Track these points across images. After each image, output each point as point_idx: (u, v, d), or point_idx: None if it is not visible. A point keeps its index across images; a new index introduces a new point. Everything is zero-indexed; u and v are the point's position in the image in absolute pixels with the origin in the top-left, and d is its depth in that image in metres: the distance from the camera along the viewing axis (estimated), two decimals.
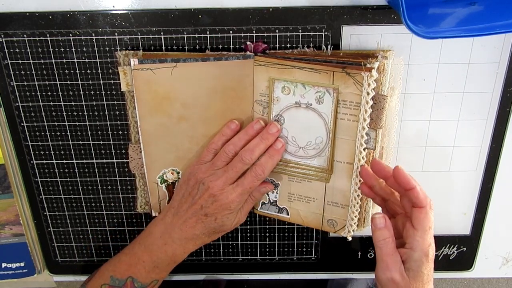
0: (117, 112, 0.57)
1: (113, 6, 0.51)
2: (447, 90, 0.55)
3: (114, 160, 0.59)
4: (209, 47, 0.53)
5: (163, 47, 0.53)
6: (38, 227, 0.64)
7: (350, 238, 0.57)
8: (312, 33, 0.52)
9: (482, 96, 0.55)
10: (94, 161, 0.59)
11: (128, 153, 0.58)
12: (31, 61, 0.54)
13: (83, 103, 0.56)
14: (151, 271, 0.55)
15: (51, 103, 0.56)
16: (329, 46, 0.52)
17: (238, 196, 0.52)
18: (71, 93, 0.55)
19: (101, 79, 0.55)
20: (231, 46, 0.53)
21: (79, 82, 0.55)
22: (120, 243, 0.65)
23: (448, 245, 0.65)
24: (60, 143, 0.58)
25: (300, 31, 0.52)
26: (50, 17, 0.51)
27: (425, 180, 0.60)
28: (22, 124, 0.57)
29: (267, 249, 0.66)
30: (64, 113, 0.57)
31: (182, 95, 0.54)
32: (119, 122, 0.57)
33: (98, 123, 0.57)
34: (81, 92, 0.55)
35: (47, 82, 0.55)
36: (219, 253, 0.66)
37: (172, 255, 0.55)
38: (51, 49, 0.53)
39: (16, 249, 0.64)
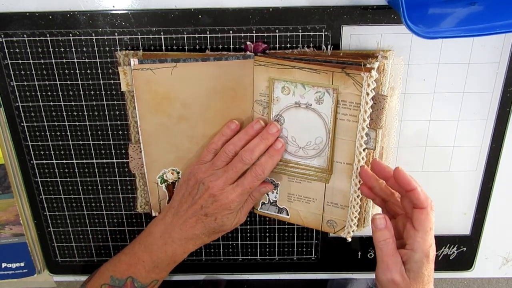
0: (117, 112, 0.57)
1: (113, 6, 0.51)
2: (447, 90, 0.55)
3: (114, 160, 0.59)
4: (209, 47, 0.53)
5: (163, 47, 0.53)
6: (38, 227, 0.64)
7: (349, 239, 0.57)
8: (312, 33, 0.52)
9: (482, 96, 0.55)
10: (94, 161, 0.59)
11: (128, 153, 0.58)
12: (31, 61, 0.54)
13: (83, 103, 0.56)
14: (151, 271, 0.55)
15: (51, 103, 0.56)
16: (329, 46, 0.52)
17: (238, 196, 0.52)
18: (71, 93, 0.55)
19: (101, 79, 0.55)
20: (231, 46, 0.53)
21: (79, 82, 0.55)
22: (120, 243, 0.65)
23: (448, 245, 0.65)
24: (60, 143, 0.58)
25: (300, 31, 0.52)
26: (50, 17, 0.51)
27: (425, 180, 0.60)
28: (22, 124, 0.57)
29: (267, 249, 0.66)
30: (64, 113, 0.57)
31: (182, 95, 0.54)
32: (119, 122, 0.57)
33: (98, 123, 0.57)
34: (81, 92, 0.55)
35: (47, 82, 0.55)
36: (219, 253, 0.66)
37: (172, 255, 0.55)
38: (51, 49, 0.53)
39: (16, 249, 0.64)
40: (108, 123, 0.57)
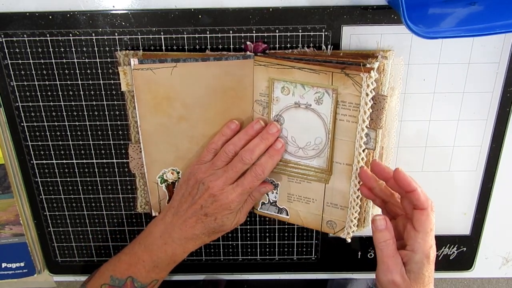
0: (117, 112, 0.57)
1: (113, 6, 0.51)
2: (447, 90, 0.55)
3: (114, 160, 0.59)
4: (209, 47, 0.53)
5: (163, 47, 0.53)
6: (38, 227, 0.64)
7: (349, 240, 0.57)
8: (312, 33, 0.52)
9: (482, 96, 0.55)
10: (94, 161, 0.59)
11: (128, 153, 0.58)
12: (31, 61, 0.54)
13: (83, 103, 0.56)
14: (151, 271, 0.55)
15: (51, 103, 0.56)
16: (329, 46, 0.52)
17: (238, 196, 0.52)
18: (71, 93, 0.55)
19: (101, 79, 0.55)
20: (231, 46, 0.53)
21: (79, 82, 0.55)
22: (120, 243, 0.65)
23: (448, 245, 0.65)
24: (60, 143, 0.58)
25: (300, 31, 0.52)
26: (50, 17, 0.51)
27: (425, 180, 0.60)
28: (22, 124, 0.57)
29: (267, 249, 0.66)
30: (64, 113, 0.57)
31: (182, 95, 0.54)
32: (119, 122, 0.57)
33: (98, 123, 0.57)
34: (81, 92, 0.55)
35: (47, 82, 0.55)
36: (219, 253, 0.66)
37: (172, 254, 0.55)
38: (51, 49, 0.53)
39: (16, 249, 0.64)
40: (108, 123, 0.57)
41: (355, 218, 0.55)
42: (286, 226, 0.64)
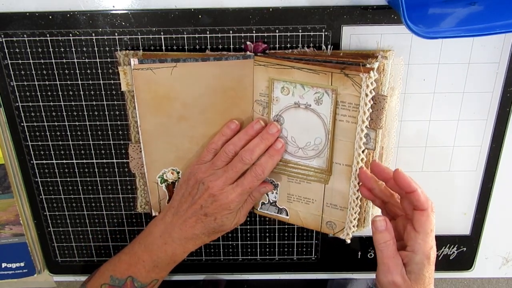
0: (117, 112, 0.57)
1: (113, 6, 0.51)
2: (447, 90, 0.55)
3: (114, 160, 0.59)
4: (209, 47, 0.53)
5: (163, 47, 0.53)
6: (38, 227, 0.64)
7: (349, 241, 0.57)
8: (312, 33, 0.52)
9: (482, 96, 0.55)
10: (94, 161, 0.59)
11: (128, 152, 0.58)
12: (31, 61, 0.54)
13: (83, 103, 0.56)
14: (151, 271, 0.55)
15: (51, 103, 0.56)
16: (329, 46, 0.52)
17: (238, 196, 0.52)
18: (71, 93, 0.55)
19: (101, 79, 0.55)
20: (231, 46, 0.53)
21: (79, 82, 0.55)
22: (120, 243, 0.65)
23: (448, 245, 0.65)
24: (60, 143, 0.58)
25: (300, 31, 0.52)
26: (50, 17, 0.51)
27: (425, 180, 0.60)
28: (22, 124, 0.57)
29: (267, 249, 0.66)
30: (64, 113, 0.57)
31: (182, 95, 0.54)
32: (119, 122, 0.57)
33: (98, 123, 0.57)
34: (81, 92, 0.55)
35: (47, 82, 0.55)
36: (219, 253, 0.66)
37: (172, 254, 0.55)
38: (51, 49, 0.53)
39: (16, 249, 0.64)
40: (108, 123, 0.57)
41: (354, 219, 0.55)
42: (286, 226, 0.64)
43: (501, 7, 0.46)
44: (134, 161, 0.59)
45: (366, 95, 0.48)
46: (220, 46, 0.53)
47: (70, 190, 0.61)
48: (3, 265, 0.65)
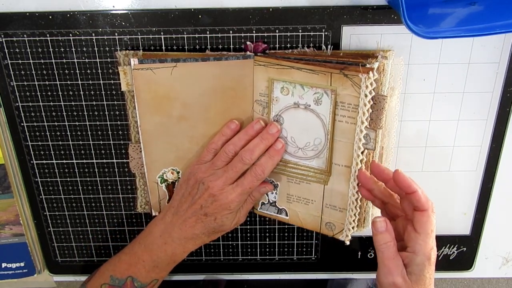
0: (117, 112, 0.57)
1: (113, 6, 0.51)
2: (447, 90, 0.55)
3: (114, 160, 0.59)
4: (209, 47, 0.53)
5: (163, 47, 0.53)
6: (38, 227, 0.64)
7: (348, 243, 0.56)
8: (312, 33, 0.52)
9: (482, 96, 0.55)
10: (94, 161, 0.59)
11: (128, 152, 0.58)
12: (31, 61, 0.54)
13: (83, 103, 0.56)
14: (151, 271, 0.56)
15: (51, 103, 0.56)
16: (329, 46, 0.52)
17: (238, 196, 0.52)
18: (71, 93, 0.55)
19: (101, 79, 0.55)
20: (231, 46, 0.53)
21: (79, 82, 0.55)
22: (120, 243, 0.65)
23: (448, 245, 0.65)
24: (60, 143, 0.58)
25: (300, 31, 0.52)
26: (50, 17, 0.51)
27: (425, 180, 0.60)
28: (22, 124, 0.57)
29: (267, 249, 0.66)
30: (64, 113, 0.57)
31: (182, 95, 0.54)
32: (119, 122, 0.57)
33: (98, 123, 0.57)
34: (81, 92, 0.55)
35: (47, 82, 0.55)
36: (219, 253, 0.66)
37: (171, 254, 0.55)
38: (51, 49, 0.53)
39: (16, 249, 0.64)
40: (108, 123, 0.57)
41: (353, 221, 0.55)
42: (286, 226, 0.64)
43: (501, 7, 0.46)
44: (134, 161, 0.59)
45: (365, 95, 0.48)
46: (220, 46, 0.53)
47: (70, 190, 0.61)
48: (3, 265, 0.65)
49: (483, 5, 0.47)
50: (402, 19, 0.42)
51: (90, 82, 0.55)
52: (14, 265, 0.65)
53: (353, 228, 0.55)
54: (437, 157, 0.59)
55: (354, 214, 0.54)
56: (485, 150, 0.59)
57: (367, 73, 0.47)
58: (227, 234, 0.63)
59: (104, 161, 0.59)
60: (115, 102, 0.56)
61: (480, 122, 0.57)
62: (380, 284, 0.48)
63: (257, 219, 0.63)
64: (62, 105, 0.56)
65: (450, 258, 0.66)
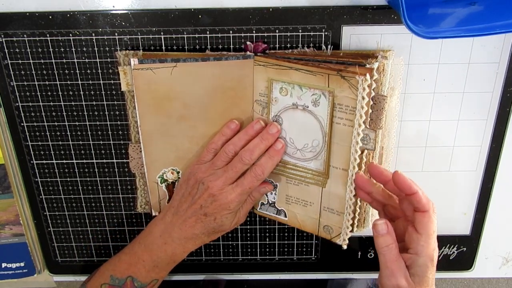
0: (117, 112, 0.57)
1: (113, 6, 0.51)
2: (447, 90, 0.55)
3: (114, 160, 0.59)
4: (209, 47, 0.53)
5: (163, 47, 0.53)
6: (38, 227, 0.64)
7: (345, 247, 0.56)
8: (312, 33, 0.52)
9: (482, 96, 0.55)
10: (94, 161, 0.59)
11: (128, 152, 0.58)
12: (31, 61, 0.54)
13: (83, 103, 0.56)
14: (151, 271, 0.56)
15: (51, 103, 0.56)
16: (329, 46, 0.52)
17: (238, 196, 0.52)
18: (71, 93, 0.55)
19: (101, 79, 0.55)
20: (231, 46, 0.53)
21: (79, 82, 0.55)
22: (120, 243, 0.65)
23: (448, 245, 0.65)
24: (60, 143, 0.58)
25: (300, 31, 0.52)
26: (50, 17, 0.51)
27: (425, 180, 0.60)
28: (22, 124, 0.57)
29: (267, 249, 0.66)
30: (64, 113, 0.57)
31: (182, 95, 0.54)
32: (119, 122, 0.57)
33: (98, 123, 0.57)
34: (81, 92, 0.55)
35: (47, 82, 0.55)
36: (219, 253, 0.66)
37: (171, 254, 0.55)
38: (51, 49, 0.53)
39: (16, 249, 0.64)
40: (108, 123, 0.57)
41: (351, 225, 0.54)
42: (286, 226, 0.64)
43: (501, 7, 0.46)
44: (134, 161, 0.59)
45: (363, 98, 0.47)
46: (220, 46, 0.53)
47: (70, 190, 0.61)
48: (3, 265, 0.65)
49: (483, 5, 0.47)
50: (402, 19, 0.42)
51: (90, 82, 0.55)
52: (14, 265, 0.65)
53: (350, 232, 0.55)
54: (437, 157, 0.59)
55: (352, 219, 0.54)
56: (485, 150, 0.59)
57: (365, 75, 0.47)
58: (227, 234, 0.63)
59: (104, 161, 0.59)
60: (115, 102, 0.56)
61: (480, 122, 0.57)
62: (382, 286, 0.47)
63: (257, 219, 0.63)
64: (62, 105, 0.56)
65: (450, 258, 0.66)
